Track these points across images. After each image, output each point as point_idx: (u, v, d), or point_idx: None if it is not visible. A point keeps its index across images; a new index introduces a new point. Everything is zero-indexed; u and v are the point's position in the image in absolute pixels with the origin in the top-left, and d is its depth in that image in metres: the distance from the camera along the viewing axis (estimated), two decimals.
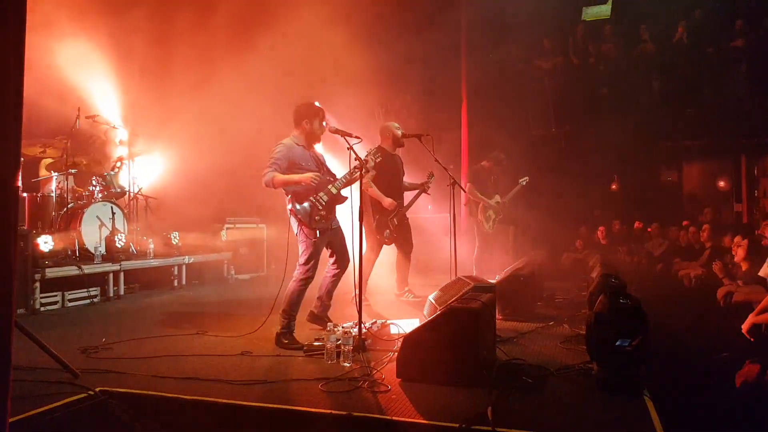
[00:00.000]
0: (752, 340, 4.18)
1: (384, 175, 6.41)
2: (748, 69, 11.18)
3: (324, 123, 4.90)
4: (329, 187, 4.75)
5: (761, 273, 5.53)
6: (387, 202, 6.40)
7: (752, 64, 11.11)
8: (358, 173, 4.59)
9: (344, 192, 4.86)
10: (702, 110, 11.50)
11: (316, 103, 4.95)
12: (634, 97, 11.72)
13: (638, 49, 12.22)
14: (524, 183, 8.77)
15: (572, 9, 12.86)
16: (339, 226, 5.04)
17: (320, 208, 4.70)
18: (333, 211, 4.88)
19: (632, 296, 3.57)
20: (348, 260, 5.09)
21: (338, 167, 5.54)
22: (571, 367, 3.80)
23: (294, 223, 4.76)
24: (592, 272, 6.82)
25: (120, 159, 8.68)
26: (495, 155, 8.66)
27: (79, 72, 8.81)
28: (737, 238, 6.93)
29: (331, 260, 5.07)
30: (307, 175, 4.64)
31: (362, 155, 4.67)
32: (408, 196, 6.84)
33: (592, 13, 13.09)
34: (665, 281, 8.44)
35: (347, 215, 4.73)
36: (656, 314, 5.41)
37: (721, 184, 12.09)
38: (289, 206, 4.71)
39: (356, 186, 4.76)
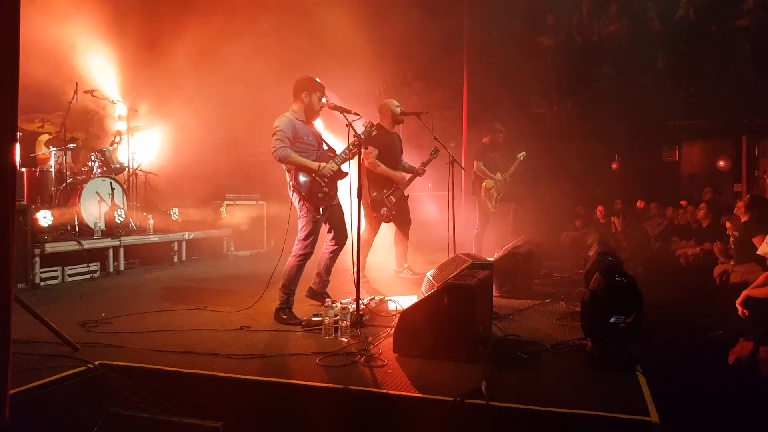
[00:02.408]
0: (746, 313, 4.20)
1: (382, 153, 6.42)
2: (751, 49, 11.07)
3: (324, 99, 4.88)
4: (330, 163, 4.75)
5: (759, 252, 5.55)
6: (399, 176, 6.44)
7: (756, 45, 11.00)
8: (357, 148, 4.60)
9: (344, 167, 4.86)
10: (704, 90, 11.41)
11: (317, 79, 4.93)
12: (637, 76, 11.62)
13: (644, 27, 12.07)
14: (522, 158, 8.72)
15: None
16: (339, 202, 5.05)
17: (323, 184, 4.71)
18: (335, 187, 4.88)
19: (627, 274, 3.58)
20: (346, 236, 5.11)
21: (337, 144, 5.54)
22: (566, 344, 3.84)
23: (295, 199, 4.77)
24: (589, 251, 6.84)
25: (118, 134, 8.65)
26: (492, 127, 8.62)
27: (78, 46, 8.75)
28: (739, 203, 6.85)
29: (329, 236, 5.09)
30: (325, 168, 4.68)
31: (360, 131, 4.67)
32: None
33: None
34: (663, 260, 8.46)
35: (345, 191, 4.74)
36: (652, 292, 5.44)
37: (722, 163, 12.06)
38: (291, 182, 4.71)
39: (355, 161, 4.76)
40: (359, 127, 4.72)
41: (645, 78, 11.58)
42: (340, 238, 5.10)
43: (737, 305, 4.01)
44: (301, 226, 4.78)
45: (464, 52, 11.26)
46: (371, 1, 10.16)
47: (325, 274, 5.17)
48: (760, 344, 3.46)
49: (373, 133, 5.02)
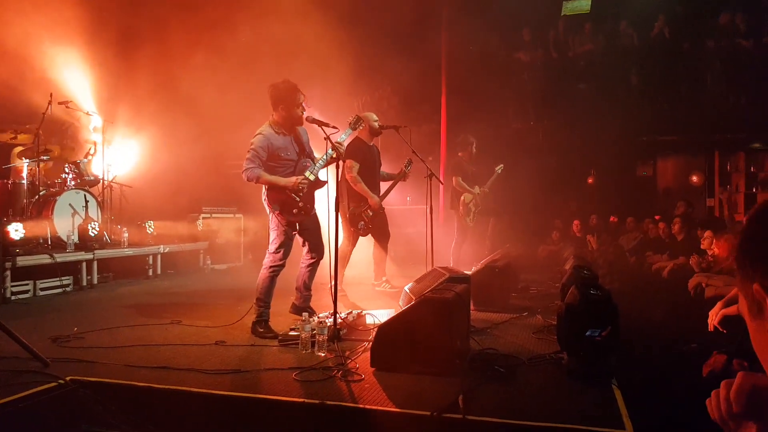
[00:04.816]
0: (725, 331, 4.25)
1: (361, 166, 6.42)
2: (722, 66, 11.36)
3: (302, 109, 4.81)
4: (306, 173, 4.71)
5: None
6: (373, 201, 6.39)
7: (726, 62, 11.28)
8: (334, 156, 4.57)
9: (323, 176, 4.82)
10: (677, 106, 11.68)
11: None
12: (612, 92, 11.84)
13: (618, 44, 12.31)
14: (500, 170, 8.77)
15: (552, 3, 12.92)
16: (315, 214, 4.97)
17: (297, 200, 4.66)
18: (312, 200, 4.83)
19: (602, 288, 3.62)
20: (323, 250, 5.04)
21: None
22: (543, 357, 3.86)
23: (267, 209, 4.73)
24: (565, 264, 6.90)
25: (93, 145, 8.54)
26: (464, 140, 8.64)
27: (52, 57, 8.65)
28: (708, 233, 7.02)
29: (305, 249, 5.01)
30: (292, 180, 4.62)
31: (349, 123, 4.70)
32: (384, 186, 6.84)
33: (571, 7, 13.15)
34: (638, 273, 8.56)
35: (323, 205, 4.71)
36: (628, 306, 5.50)
37: (695, 179, 12.30)
38: (265, 196, 4.66)
39: (333, 175, 4.74)
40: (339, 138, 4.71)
41: (620, 94, 11.81)
42: (316, 250, 5.02)
43: (716, 325, 4.05)
44: (272, 238, 4.72)
45: (442, 67, 11.37)
46: (350, 16, 10.22)
47: (305, 289, 5.10)
48: (733, 357, 3.51)
49: (360, 126, 4.98)
